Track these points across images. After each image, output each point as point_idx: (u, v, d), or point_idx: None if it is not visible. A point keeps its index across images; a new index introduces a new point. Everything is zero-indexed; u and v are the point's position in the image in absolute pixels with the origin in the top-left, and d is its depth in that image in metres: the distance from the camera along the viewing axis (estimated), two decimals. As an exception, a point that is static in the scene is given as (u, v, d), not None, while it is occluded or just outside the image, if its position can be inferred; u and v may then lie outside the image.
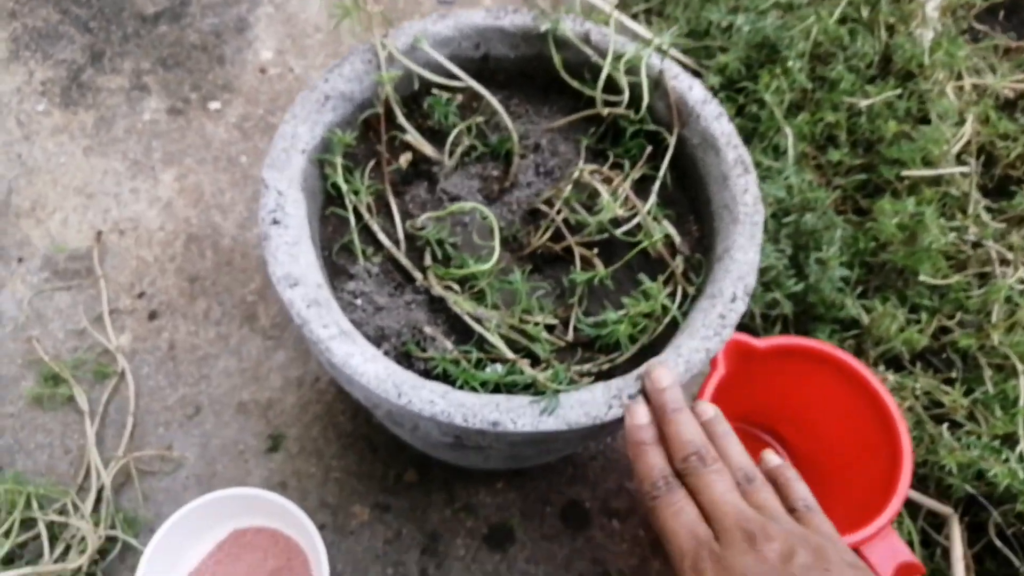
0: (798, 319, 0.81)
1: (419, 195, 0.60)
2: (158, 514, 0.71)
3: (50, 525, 0.67)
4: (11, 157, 0.88)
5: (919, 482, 0.74)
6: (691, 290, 0.58)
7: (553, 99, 0.65)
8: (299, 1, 1.00)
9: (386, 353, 0.52)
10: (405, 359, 0.53)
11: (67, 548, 0.67)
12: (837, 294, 0.78)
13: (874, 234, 0.81)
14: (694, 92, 0.61)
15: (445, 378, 0.51)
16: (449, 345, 0.53)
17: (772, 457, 0.50)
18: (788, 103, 0.86)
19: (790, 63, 0.85)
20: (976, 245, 0.84)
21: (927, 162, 0.85)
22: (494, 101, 0.59)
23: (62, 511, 0.68)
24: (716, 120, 0.60)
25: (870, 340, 0.79)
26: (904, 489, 0.61)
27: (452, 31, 0.60)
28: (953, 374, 0.79)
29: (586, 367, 0.54)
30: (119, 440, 0.73)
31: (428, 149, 0.60)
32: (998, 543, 0.72)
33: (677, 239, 0.60)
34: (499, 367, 0.52)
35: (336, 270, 0.56)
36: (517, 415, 0.48)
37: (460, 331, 0.55)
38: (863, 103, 0.86)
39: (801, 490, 0.47)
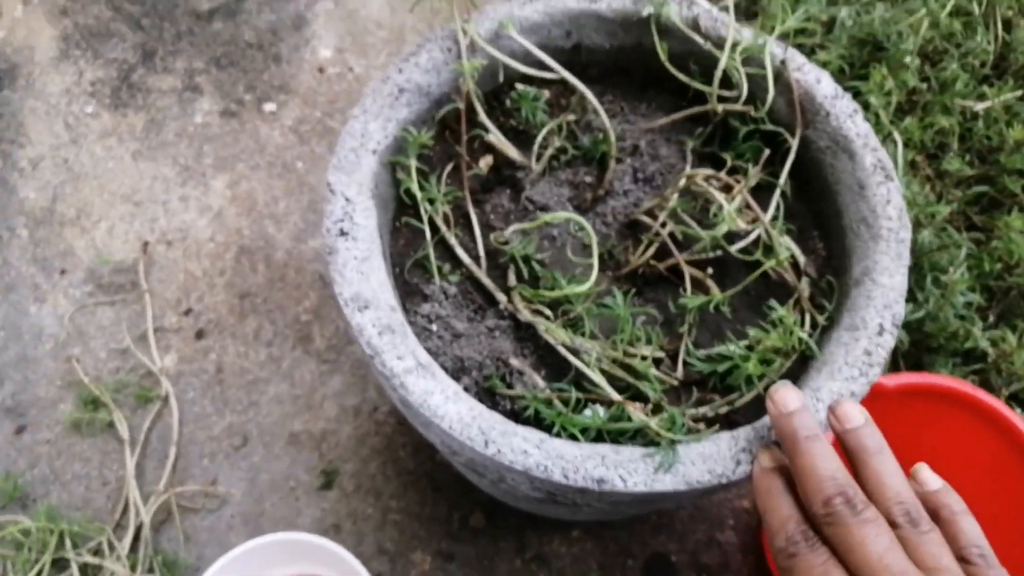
0: (908, 352, 0.72)
1: (501, 204, 0.52)
2: (200, 556, 0.64)
3: (83, 567, 0.61)
4: (57, 163, 0.83)
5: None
6: (821, 319, 0.49)
7: (651, 96, 0.57)
8: (359, -2, 0.94)
9: (466, 389, 0.44)
10: (488, 396, 0.46)
11: (101, 592, 0.61)
12: (960, 323, 0.69)
13: (999, 254, 0.72)
14: (823, 86, 0.52)
15: (536, 421, 0.43)
16: (540, 381, 0.45)
17: (930, 477, 0.39)
18: (894, 106, 0.77)
19: (906, 59, 0.75)
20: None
21: (1056, 174, 0.76)
22: (590, 95, 0.51)
23: (97, 551, 0.62)
24: (850, 118, 0.52)
25: (997, 375, 0.70)
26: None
27: (541, 16, 0.53)
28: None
29: (700, 410, 0.45)
30: (160, 472, 0.67)
31: (512, 152, 0.52)
32: None
33: (801, 258, 0.51)
34: (601, 409, 0.44)
35: (408, 290, 0.49)
36: (628, 471, 0.40)
37: (551, 364, 0.47)
38: (979, 106, 0.78)
39: (972, 530, 0.37)
